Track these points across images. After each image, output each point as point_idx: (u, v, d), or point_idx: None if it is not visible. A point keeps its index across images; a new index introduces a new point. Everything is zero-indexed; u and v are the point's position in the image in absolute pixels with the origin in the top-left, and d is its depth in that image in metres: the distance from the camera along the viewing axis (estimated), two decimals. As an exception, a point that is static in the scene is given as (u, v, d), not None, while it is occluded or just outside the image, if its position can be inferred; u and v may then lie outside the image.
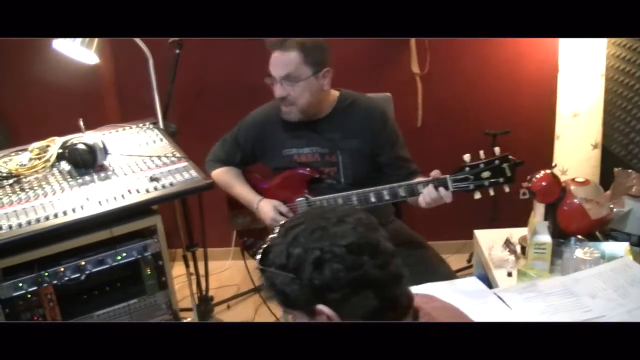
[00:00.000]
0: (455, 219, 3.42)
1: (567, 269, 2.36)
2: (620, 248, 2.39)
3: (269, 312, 3.60)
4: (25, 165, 2.71)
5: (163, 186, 2.53)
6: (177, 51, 3.20)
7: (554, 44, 3.30)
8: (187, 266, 3.34)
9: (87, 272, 2.46)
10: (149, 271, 2.58)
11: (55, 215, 2.37)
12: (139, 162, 2.71)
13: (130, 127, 3.05)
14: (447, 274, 2.62)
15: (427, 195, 2.35)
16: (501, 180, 2.26)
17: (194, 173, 2.62)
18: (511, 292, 2.20)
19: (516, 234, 2.70)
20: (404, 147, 2.74)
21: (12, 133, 3.68)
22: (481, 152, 2.26)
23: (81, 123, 2.79)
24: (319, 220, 1.36)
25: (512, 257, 2.57)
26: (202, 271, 3.61)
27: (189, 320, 3.35)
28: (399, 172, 2.66)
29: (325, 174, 2.72)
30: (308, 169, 2.71)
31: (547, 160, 3.40)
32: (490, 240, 2.72)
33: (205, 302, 3.58)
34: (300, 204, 2.70)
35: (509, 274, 2.49)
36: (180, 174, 2.61)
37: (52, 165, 2.72)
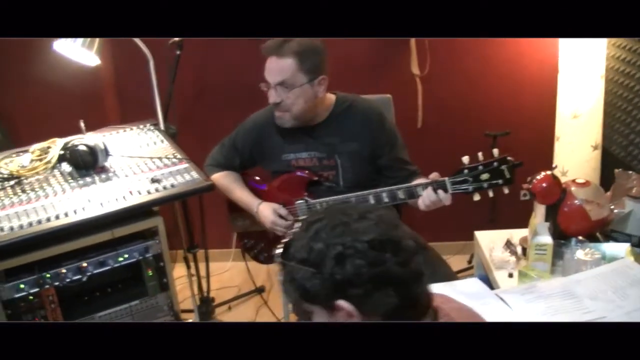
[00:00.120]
0: (456, 220, 3.42)
1: (568, 270, 2.36)
2: (620, 249, 2.39)
3: (270, 313, 3.61)
4: (26, 166, 2.71)
5: (164, 187, 2.53)
6: (178, 52, 3.20)
7: (553, 46, 3.30)
8: (188, 267, 3.34)
9: (89, 273, 2.45)
10: (150, 272, 2.58)
11: (57, 217, 2.37)
12: (139, 163, 2.71)
13: (131, 129, 3.06)
14: (448, 275, 2.62)
15: (426, 198, 2.35)
16: (500, 182, 2.26)
17: (194, 174, 2.62)
18: (512, 293, 2.20)
19: (517, 235, 2.70)
20: (404, 148, 2.74)
21: (13, 134, 3.69)
22: (480, 154, 2.26)
23: (82, 124, 2.79)
24: (341, 216, 1.36)
25: (513, 258, 2.57)
26: (202, 272, 3.61)
27: (190, 321, 3.35)
28: (399, 173, 2.66)
29: (324, 177, 2.72)
30: (307, 171, 2.71)
31: (547, 161, 3.40)
32: (490, 242, 2.72)
33: (206, 304, 3.58)
34: (299, 206, 2.70)
35: (510, 275, 2.50)
36: (181, 175, 2.61)
37: (53, 167, 2.72)
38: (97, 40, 2.81)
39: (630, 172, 2.68)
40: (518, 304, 2.11)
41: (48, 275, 2.39)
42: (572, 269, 2.33)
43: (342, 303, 1.32)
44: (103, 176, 2.64)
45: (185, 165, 2.69)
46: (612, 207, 2.56)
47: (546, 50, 3.49)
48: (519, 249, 2.60)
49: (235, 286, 4.00)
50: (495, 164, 2.25)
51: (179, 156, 2.75)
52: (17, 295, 2.35)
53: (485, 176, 2.26)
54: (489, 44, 3.61)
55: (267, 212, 2.73)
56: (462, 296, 2.16)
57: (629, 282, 2.14)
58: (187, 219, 3.39)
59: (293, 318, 2.82)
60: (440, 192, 2.34)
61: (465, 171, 2.28)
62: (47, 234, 2.32)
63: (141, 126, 3.08)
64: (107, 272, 2.51)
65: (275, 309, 3.61)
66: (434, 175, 2.40)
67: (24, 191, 2.55)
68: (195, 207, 3.46)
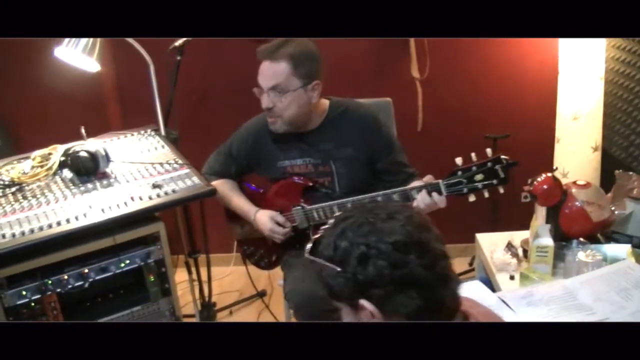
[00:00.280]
0: (457, 222, 3.42)
1: (569, 272, 2.36)
2: (622, 250, 2.39)
3: (272, 318, 3.61)
4: (27, 173, 2.71)
5: (165, 193, 2.52)
6: (178, 57, 3.20)
7: (553, 48, 3.31)
8: (189, 272, 3.34)
9: (91, 279, 2.45)
10: (152, 278, 2.58)
11: (58, 223, 2.36)
12: (141, 169, 2.71)
13: (132, 134, 3.06)
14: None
15: (420, 201, 2.35)
16: (495, 182, 2.25)
17: (196, 180, 2.62)
18: (514, 295, 2.20)
19: (518, 237, 2.71)
20: (401, 151, 2.74)
21: (15, 141, 3.69)
22: (473, 155, 2.26)
23: (83, 130, 2.79)
24: (368, 215, 1.36)
25: (514, 261, 2.57)
26: (204, 277, 3.61)
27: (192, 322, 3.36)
28: (397, 177, 2.67)
29: (319, 183, 2.72)
30: (302, 177, 2.71)
31: (547, 163, 3.41)
32: (492, 244, 2.72)
33: (207, 308, 3.58)
34: (296, 213, 2.70)
35: (512, 277, 2.50)
36: (182, 180, 2.61)
37: (55, 173, 2.71)
38: (97, 46, 2.81)
39: (631, 173, 2.68)
40: (520, 306, 2.11)
41: (50, 282, 2.38)
42: (574, 271, 2.33)
43: (364, 303, 1.33)
44: (104, 182, 2.63)
45: (186, 170, 2.69)
46: (613, 208, 2.57)
47: (546, 52, 3.50)
48: (520, 251, 2.61)
49: (237, 291, 4.01)
50: (489, 164, 2.24)
51: (180, 161, 2.75)
52: (19, 302, 2.34)
53: (479, 177, 2.26)
54: (488, 47, 3.62)
55: (264, 219, 2.74)
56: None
57: (631, 283, 2.14)
58: (189, 224, 3.39)
59: (295, 319, 2.82)
60: (434, 194, 2.34)
61: (459, 173, 2.28)
62: (49, 241, 2.31)
63: (142, 132, 3.07)
64: (109, 278, 2.50)
65: (277, 313, 3.61)
66: (428, 178, 2.40)
67: (25, 198, 2.55)
68: (196, 212, 3.47)
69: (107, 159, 2.68)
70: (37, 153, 2.81)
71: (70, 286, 2.42)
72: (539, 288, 2.22)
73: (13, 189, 2.61)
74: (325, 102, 2.70)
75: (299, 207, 2.70)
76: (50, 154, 2.79)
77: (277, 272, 2.97)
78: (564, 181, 2.60)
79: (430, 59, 3.62)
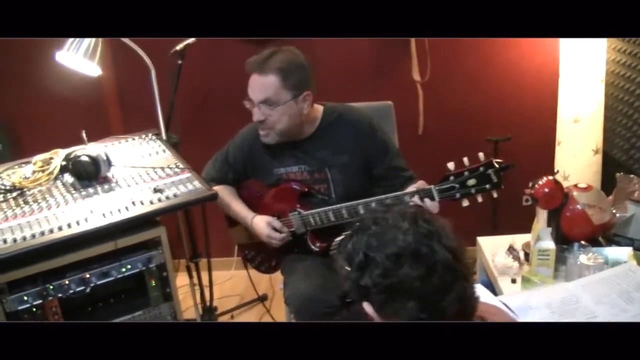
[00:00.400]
0: (458, 226, 3.41)
1: (571, 275, 2.36)
2: (623, 253, 2.39)
3: (273, 322, 3.61)
4: (28, 177, 2.70)
5: (167, 197, 2.52)
6: (180, 61, 3.20)
7: (554, 50, 3.31)
8: (190, 277, 3.34)
9: (92, 284, 2.44)
10: (153, 283, 2.57)
11: (60, 228, 2.36)
12: (142, 173, 2.71)
13: (133, 139, 3.05)
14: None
15: None
16: (488, 187, 2.25)
17: (197, 184, 2.61)
18: (516, 298, 2.20)
19: (519, 240, 2.70)
20: (398, 155, 2.72)
21: (15, 145, 3.69)
22: (465, 159, 2.25)
23: (84, 135, 2.79)
24: (377, 221, 1.40)
25: (516, 264, 2.57)
26: (204, 281, 3.61)
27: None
28: (395, 181, 2.65)
29: (315, 190, 2.71)
30: (299, 183, 2.71)
31: (548, 166, 3.40)
32: (493, 247, 2.72)
33: (209, 313, 3.57)
34: (293, 218, 2.70)
35: (513, 281, 2.50)
36: (183, 185, 2.61)
37: (56, 178, 2.71)
38: (98, 50, 2.81)
39: (632, 175, 2.68)
40: (523, 309, 2.11)
41: (51, 287, 2.38)
42: (575, 274, 2.33)
43: (365, 306, 1.39)
44: (106, 187, 2.63)
45: (187, 174, 2.68)
46: (614, 211, 2.57)
47: (546, 55, 3.50)
48: (521, 255, 2.61)
49: (238, 295, 4.01)
50: (481, 168, 2.24)
51: (181, 166, 2.75)
52: (20, 307, 2.34)
53: (472, 182, 2.25)
54: (489, 49, 3.62)
55: (261, 225, 2.74)
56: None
57: (633, 286, 2.14)
58: (190, 228, 3.38)
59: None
60: (427, 200, 2.34)
61: (451, 178, 2.28)
62: (50, 246, 2.30)
63: (143, 136, 3.07)
64: (110, 283, 2.49)
65: (278, 317, 3.61)
66: (420, 184, 2.40)
67: (26, 202, 2.55)
68: (197, 216, 3.46)
69: (109, 163, 2.67)
70: (38, 157, 2.81)
71: (71, 291, 2.41)
72: (541, 291, 2.22)
73: (14, 194, 2.61)
74: (319, 109, 2.69)
75: (295, 213, 2.70)
76: (51, 158, 2.79)
77: (279, 276, 2.97)
78: (565, 184, 2.60)
79: (431, 61, 3.61)
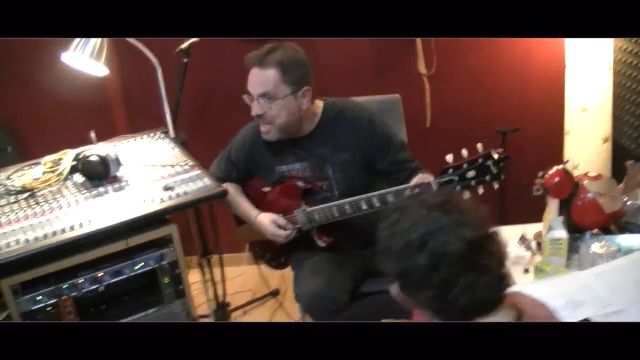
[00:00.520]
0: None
1: (583, 264, 2.35)
2: (636, 241, 2.38)
3: (286, 316, 3.61)
4: (38, 178, 2.72)
5: (177, 195, 2.53)
6: (185, 60, 3.20)
7: (560, 39, 3.29)
8: (202, 273, 3.35)
9: (105, 283, 2.46)
10: (166, 280, 2.58)
11: (71, 228, 2.37)
12: (151, 171, 2.72)
13: (141, 137, 3.07)
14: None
15: None
16: (487, 178, 2.23)
17: (207, 181, 2.62)
18: (530, 289, 2.19)
19: (530, 230, 2.69)
20: (401, 148, 2.70)
21: (24, 147, 3.70)
22: (464, 151, 2.23)
23: (93, 135, 2.80)
24: (396, 211, 1.45)
25: (528, 254, 2.56)
26: (216, 277, 3.61)
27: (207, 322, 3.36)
28: (400, 175, 2.63)
29: (318, 187, 2.71)
30: (302, 180, 2.71)
31: (557, 155, 3.39)
32: (505, 238, 2.71)
33: (222, 309, 3.58)
34: (298, 214, 2.70)
35: (526, 271, 2.49)
36: (193, 182, 2.61)
37: (66, 178, 2.73)
38: (104, 50, 2.82)
39: (642, 163, 2.67)
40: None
41: (65, 286, 2.40)
42: (588, 263, 2.32)
43: (393, 287, 1.47)
44: (116, 186, 2.64)
45: (197, 172, 2.69)
46: (625, 199, 2.55)
47: (553, 44, 3.49)
48: (533, 244, 2.60)
49: (250, 290, 4.00)
50: (480, 160, 2.22)
51: (190, 163, 2.76)
52: (34, 307, 2.36)
53: (471, 174, 2.23)
54: (495, 41, 3.60)
55: (265, 222, 2.74)
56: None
57: (648, 274, 2.14)
58: (200, 225, 3.39)
59: (308, 320, 2.82)
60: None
61: (450, 170, 2.26)
62: (62, 246, 2.32)
63: (151, 134, 3.08)
64: (123, 281, 2.51)
65: (291, 312, 3.62)
66: (419, 178, 2.39)
67: (37, 203, 2.56)
68: (206, 213, 3.47)
69: (118, 162, 2.68)
70: (48, 158, 2.82)
71: (85, 290, 2.43)
72: (554, 281, 2.22)
73: (25, 195, 2.62)
74: (319, 104, 2.67)
75: (300, 209, 2.69)
76: (60, 159, 2.80)
77: (290, 270, 2.97)
78: (574, 173, 2.58)
79: (437, 54, 3.60)
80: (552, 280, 2.23)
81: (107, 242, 2.44)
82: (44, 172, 2.75)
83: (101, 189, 2.62)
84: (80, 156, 2.69)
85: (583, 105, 3.18)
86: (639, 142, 3.16)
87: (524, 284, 2.32)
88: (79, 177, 2.72)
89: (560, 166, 2.48)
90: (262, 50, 2.51)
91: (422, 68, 3.64)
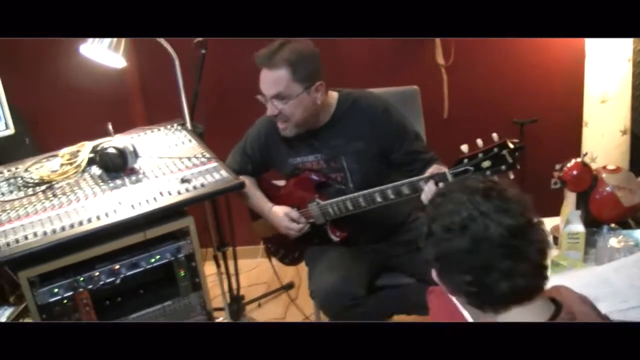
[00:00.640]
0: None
1: (601, 259, 2.34)
2: (654, 236, 2.37)
3: (300, 310, 3.62)
4: (56, 171, 2.73)
5: (194, 187, 2.54)
6: (203, 51, 3.20)
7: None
8: (217, 266, 3.36)
9: (122, 275, 2.47)
10: (182, 273, 2.59)
11: (89, 220, 2.38)
12: (169, 164, 2.72)
13: (159, 129, 3.07)
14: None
15: (428, 193, 2.30)
16: (503, 167, 2.19)
17: (224, 173, 2.62)
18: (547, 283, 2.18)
19: (548, 224, 2.67)
20: (416, 139, 2.68)
21: (42, 139, 3.71)
22: (479, 141, 2.21)
23: (110, 127, 2.81)
24: (440, 194, 1.48)
25: (545, 248, 2.55)
26: (231, 270, 3.62)
27: (221, 319, 3.37)
28: (415, 165, 2.60)
29: (332, 179, 2.69)
30: (316, 173, 2.70)
31: (575, 148, 3.37)
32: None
33: (236, 301, 3.59)
34: (312, 208, 2.69)
35: (543, 265, 2.48)
36: (210, 174, 2.61)
37: (84, 170, 2.73)
38: (123, 42, 2.82)
39: (661, 156, 2.65)
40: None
41: (82, 279, 2.41)
42: (605, 257, 2.31)
43: (432, 272, 1.48)
44: (133, 178, 2.65)
45: (214, 164, 2.69)
46: (644, 192, 2.53)
47: (572, 36, 3.46)
48: (550, 238, 2.58)
49: (264, 283, 4.01)
50: (495, 149, 2.19)
51: (207, 155, 2.76)
52: (51, 300, 2.37)
53: (487, 163, 2.20)
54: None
55: (279, 215, 2.73)
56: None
57: (665, 269, 2.12)
58: (217, 218, 3.40)
59: (323, 314, 2.82)
60: (442, 185, 2.30)
61: (465, 160, 2.24)
62: (80, 238, 2.34)
63: (169, 126, 3.08)
64: (139, 274, 2.52)
65: (305, 305, 3.62)
66: (434, 169, 2.36)
67: (55, 196, 2.57)
68: (223, 205, 3.47)
69: (135, 154, 2.69)
70: (65, 151, 2.83)
71: (101, 282, 2.44)
72: (572, 275, 2.20)
73: (43, 188, 2.63)
74: (334, 95, 2.66)
75: (314, 203, 2.68)
76: (78, 151, 2.81)
77: (305, 265, 2.97)
78: (592, 166, 2.56)
79: (455, 45, 3.58)
80: (568, 274, 2.22)
81: (125, 234, 2.44)
82: (62, 165, 2.76)
83: (118, 182, 2.63)
84: (98, 148, 2.70)
85: (603, 96, 3.16)
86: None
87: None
88: (96, 170, 2.72)
89: (579, 159, 2.46)
90: (270, 48, 2.48)
91: (440, 59, 3.62)
